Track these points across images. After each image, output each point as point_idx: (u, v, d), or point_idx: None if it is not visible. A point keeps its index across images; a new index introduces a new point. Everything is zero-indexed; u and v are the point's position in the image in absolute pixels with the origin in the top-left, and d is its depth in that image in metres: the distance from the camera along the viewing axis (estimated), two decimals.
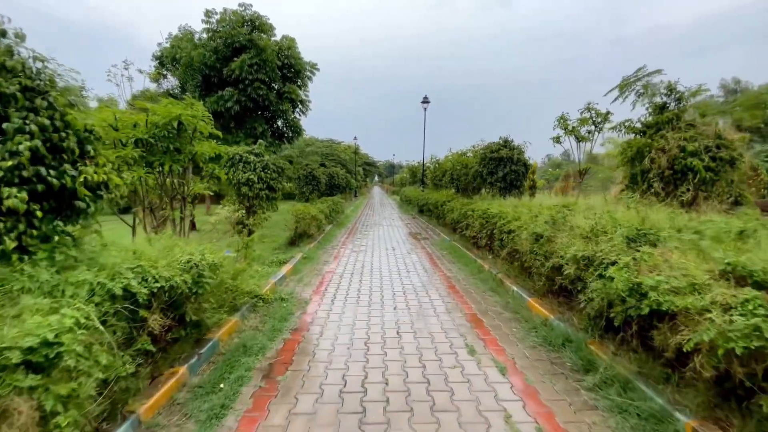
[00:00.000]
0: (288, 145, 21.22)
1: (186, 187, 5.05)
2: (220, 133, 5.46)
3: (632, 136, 5.53)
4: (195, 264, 3.40)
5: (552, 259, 4.15)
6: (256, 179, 7.35)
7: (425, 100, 20.50)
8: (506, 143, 9.67)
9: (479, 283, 6.27)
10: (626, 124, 5.78)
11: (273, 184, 7.70)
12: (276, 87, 13.63)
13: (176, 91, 12.92)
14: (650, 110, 5.36)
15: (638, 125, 5.44)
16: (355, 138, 39.03)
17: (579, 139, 7.58)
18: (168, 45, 13.48)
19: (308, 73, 14.68)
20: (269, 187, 7.69)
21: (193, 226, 13.00)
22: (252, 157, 7.42)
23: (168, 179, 5.08)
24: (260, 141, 7.92)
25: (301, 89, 14.71)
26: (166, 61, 13.56)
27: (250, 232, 7.95)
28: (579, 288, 3.65)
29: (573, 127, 7.52)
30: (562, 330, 3.89)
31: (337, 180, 19.64)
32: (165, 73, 13.72)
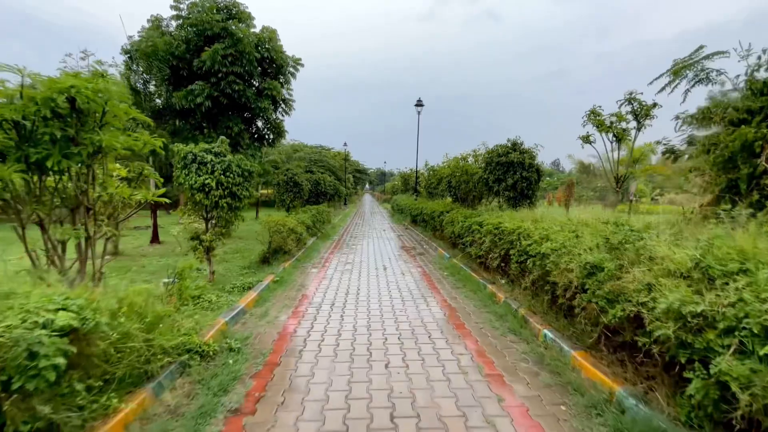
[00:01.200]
0: (269, 149, 19.76)
1: (88, 195, 3.56)
2: (149, 120, 4.02)
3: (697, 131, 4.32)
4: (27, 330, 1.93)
5: (621, 306, 2.78)
6: (213, 184, 5.90)
7: (419, 103, 19.32)
8: (515, 146, 8.41)
9: (494, 319, 4.88)
10: (703, 111, 4.49)
11: (237, 190, 6.25)
12: (255, 83, 12.21)
13: (138, 85, 11.41)
14: (748, 91, 4.08)
15: (732, 111, 4.09)
16: (345, 144, 37.74)
17: (618, 137, 6.31)
18: (138, 38, 11.99)
19: (291, 69, 13.32)
20: (232, 195, 6.24)
21: (155, 238, 11.40)
22: (209, 157, 5.98)
23: (73, 182, 3.59)
24: (221, 138, 6.49)
25: (283, 86, 13.31)
26: (136, 55, 12.05)
27: (209, 250, 6.47)
28: (680, 357, 2.28)
29: (611, 123, 6.26)
30: (644, 419, 2.52)
31: (324, 187, 18.21)
32: (136, 68, 12.20)
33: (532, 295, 4.79)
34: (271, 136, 14.12)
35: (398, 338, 4.29)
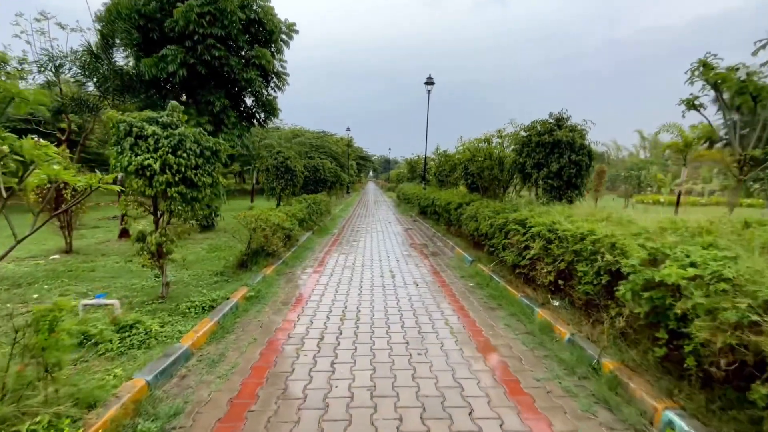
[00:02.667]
0: (265, 132, 18.07)
1: None
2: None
3: None
4: None
5: None
6: (157, 167, 4.21)
7: (429, 81, 17.38)
8: (560, 122, 6.64)
9: (563, 373, 3.21)
10: None
11: (193, 175, 4.57)
12: (242, 51, 10.39)
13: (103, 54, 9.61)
14: None
15: None
16: (348, 129, 35.78)
17: (757, 96, 4.46)
18: (111, 2, 10.14)
19: (284, 36, 11.46)
20: (186, 181, 4.57)
21: (125, 232, 9.79)
22: (150, 129, 4.27)
23: None
24: (172, 103, 4.79)
25: (275, 56, 11.48)
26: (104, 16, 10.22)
27: (160, 255, 4.84)
28: None
29: (749, 77, 4.41)
30: None
31: (324, 174, 16.49)
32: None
33: (629, 341, 3.11)
34: (262, 115, 12.35)
35: (422, 421, 2.64)
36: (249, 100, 12.12)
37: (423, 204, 14.12)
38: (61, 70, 9.31)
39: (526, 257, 4.89)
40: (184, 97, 10.80)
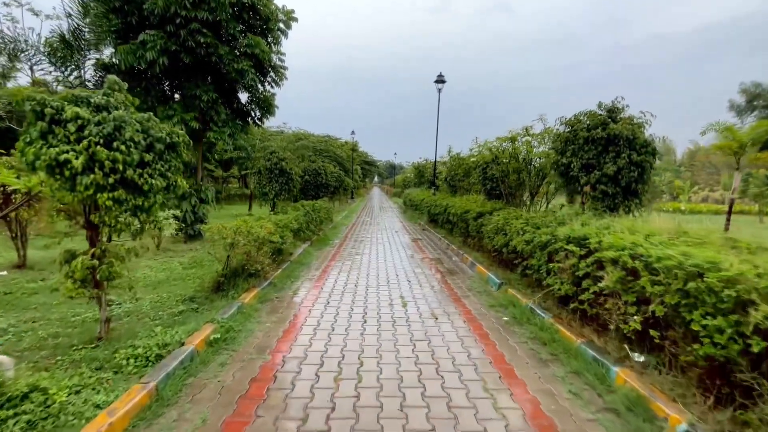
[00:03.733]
0: (261, 130, 16.93)
1: None
2: None
3: None
4: None
5: None
6: (78, 164, 2.98)
7: (439, 79, 16.17)
8: (614, 113, 5.34)
9: None
10: None
11: (138, 177, 3.33)
12: (234, 38, 9.24)
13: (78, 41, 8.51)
14: None
15: None
16: (353, 133, 34.69)
17: None
18: None
19: (281, 24, 10.32)
20: (127, 184, 3.33)
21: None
22: (72, 111, 3.05)
23: None
24: (110, 77, 3.60)
25: (272, 48, 10.34)
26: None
27: (97, 284, 3.61)
28: None
29: None
30: None
31: (326, 178, 15.29)
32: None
33: None
34: (258, 113, 11.19)
35: None
36: (244, 97, 10.98)
37: (434, 211, 12.82)
38: (24, 59, 8.22)
39: (590, 290, 3.58)
40: (168, 89, 9.67)
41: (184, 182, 3.87)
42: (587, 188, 5.48)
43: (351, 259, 8.11)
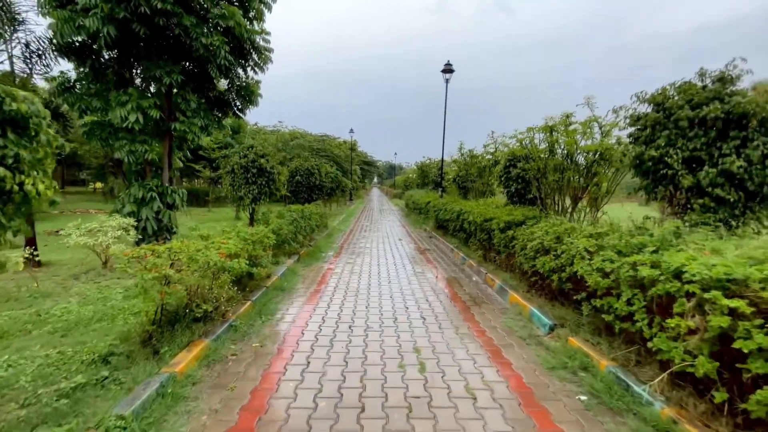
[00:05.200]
0: (250, 126, 15.34)
1: None
2: None
3: None
4: None
5: None
6: None
7: (447, 69, 14.50)
8: (726, 81, 3.67)
9: None
10: None
11: None
12: (202, 6, 7.57)
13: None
14: None
15: None
16: (352, 131, 33.02)
17: None
18: None
19: None
20: None
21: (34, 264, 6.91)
22: None
23: None
24: None
25: (253, 24, 8.69)
26: None
27: None
28: None
29: None
30: None
31: (320, 178, 13.62)
32: None
33: None
34: (238, 103, 9.53)
35: None
36: (223, 84, 9.31)
37: (442, 217, 11.16)
38: None
39: (755, 368, 1.93)
40: (129, 76, 8.01)
41: (47, 184, 2.21)
42: (680, 194, 3.85)
43: (346, 281, 6.44)
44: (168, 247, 3.51)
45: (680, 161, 3.80)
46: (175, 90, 7.87)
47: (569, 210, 6.15)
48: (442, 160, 14.50)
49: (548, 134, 6.08)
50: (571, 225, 4.78)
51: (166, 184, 8.32)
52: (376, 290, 5.93)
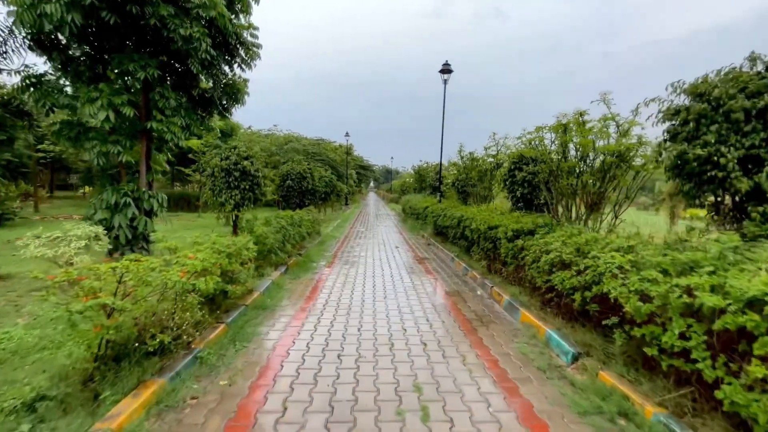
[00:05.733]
0: (243, 131, 14.83)
1: None
2: None
3: None
4: None
5: None
6: None
7: (445, 69, 13.97)
8: None
9: None
10: None
11: None
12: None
13: None
14: None
15: None
16: (347, 134, 32.44)
17: None
18: None
19: None
20: None
21: None
22: None
23: None
24: None
25: (240, 17, 8.10)
26: None
27: None
28: None
29: None
30: None
31: (313, 183, 12.99)
32: None
33: None
34: (224, 101, 8.90)
35: None
36: (203, 79, 8.69)
37: (442, 223, 10.56)
38: None
39: None
40: (102, 72, 7.36)
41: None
42: (729, 200, 3.28)
43: (338, 296, 5.80)
44: (113, 267, 2.86)
45: (735, 161, 3.23)
46: (155, 87, 7.22)
47: (583, 217, 5.56)
48: (441, 163, 13.92)
49: (561, 133, 5.50)
50: (592, 235, 4.19)
51: (143, 189, 7.65)
52: (371, 307, 5.29)
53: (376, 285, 6.52)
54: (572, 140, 5.23)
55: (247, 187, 6.57)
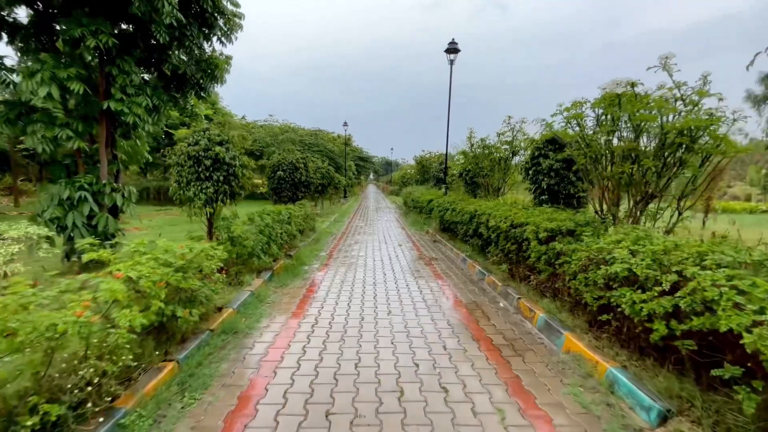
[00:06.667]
0: (238, 120, 13.73)
1: None
2: None
3: None
4: None
5: None
6: None
7: (452, 48, 12.72)
8: None
9: None
10: None
11: None
12: None
13: None
14: None
15: None
16: (345, 124, 31.15)
17: None
18: None
19: None
20: None
21: None
22: None
23: None
24: None
25: None
26: None
27: None
28: None
29: None
30: None
31: (307, 174, 11.85)
32: None
33: None
34: (199, 77, 7.71)
35: None
36: (177, 53, 7.50)
37: (449, 218, 9.45)
38: None
39: None
40: (48, 43, 6.19)
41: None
42: None
43: (331, 312, 4.73)
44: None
45: None
46: (106, 57, 6.05)
47: (636, 214, 4.46)
48: (447, 152, 12.77)
49: (612, 107, 4.33)
50: (672, 240, 3.09)
51: (104, 181, 6.54)
52: (371, 328, 4.22)
53: (377, 295, 5.44)
54: (635, 114, 4.07)
55: (221, 178, 5.45)
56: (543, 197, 6.75)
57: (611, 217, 4.58)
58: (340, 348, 3.69)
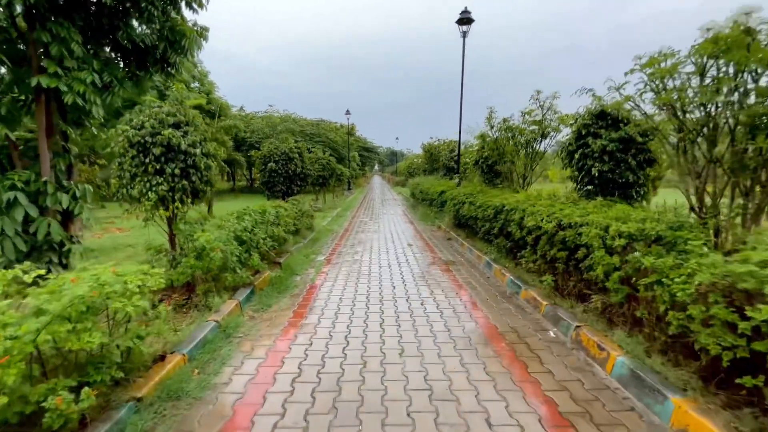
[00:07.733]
0: (237, 112, 12.79)
1: None
2: None
3: None
4: None
5: None
6: None
7: (464, 18, 11.19)
8: None
9: None
10: None
11: None
12: None
13: None
14: None
15: None
16: (348, 112, 29.63)
17: None
18: None
19: None
20: None
21: None
22: None
23: None
24: None
25: None
26: None
27: None
28: None
29: None
30: None
31: (302, 165, 10.53)
32: None
33: None
34: (162, 50, 6.37)
35: None
36: (135, 23, 6.16)
37: (467, 212, 8.10)
38: None
39: None
40: None
41: None
42: None
43: (323, 351, 3.46)
44: None
45: None
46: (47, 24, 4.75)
47: (751, 211, 3.10)
48: (460, 138, 11.36)
49: (740, 49, 2.88)
50: None
51: (45, 178, 5.31)
52: (377, 384, 2.95)
53: (385, 320, 4.17)
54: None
55: (177, 171, 4.18)
56: (589, 187, 5.38)
57: (715, 218, 3.21)
58: (330, 425, 2.43)
